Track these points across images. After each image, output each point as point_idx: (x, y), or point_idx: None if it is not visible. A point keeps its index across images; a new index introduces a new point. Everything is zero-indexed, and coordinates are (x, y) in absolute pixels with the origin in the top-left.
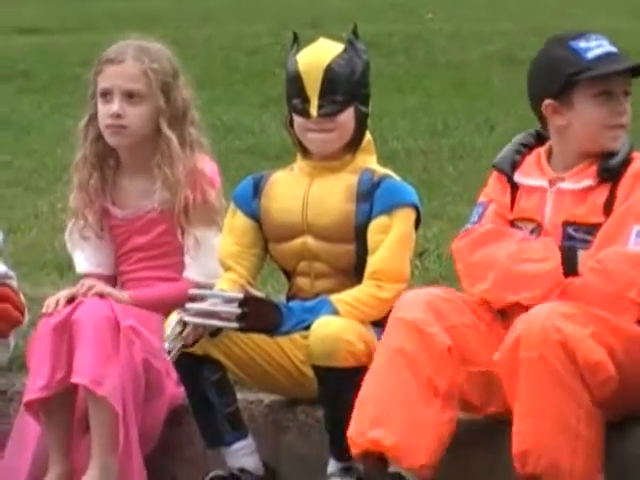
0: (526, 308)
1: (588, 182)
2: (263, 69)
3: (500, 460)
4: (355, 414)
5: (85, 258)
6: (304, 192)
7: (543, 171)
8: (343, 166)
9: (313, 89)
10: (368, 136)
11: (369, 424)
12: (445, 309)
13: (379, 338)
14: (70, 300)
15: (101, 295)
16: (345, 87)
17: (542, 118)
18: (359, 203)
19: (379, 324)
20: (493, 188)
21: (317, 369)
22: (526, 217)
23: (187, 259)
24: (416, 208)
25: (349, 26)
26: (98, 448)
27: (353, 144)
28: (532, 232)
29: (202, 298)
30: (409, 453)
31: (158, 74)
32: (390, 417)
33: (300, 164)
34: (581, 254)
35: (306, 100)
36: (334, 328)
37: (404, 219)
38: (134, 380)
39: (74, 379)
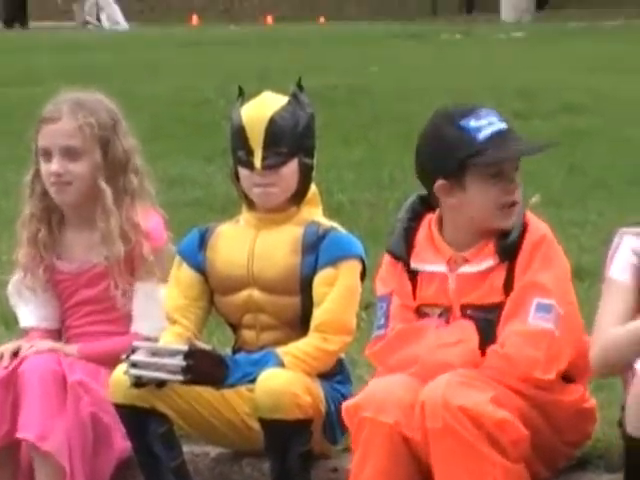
0: None
1: (489, 263)
2: (209, 122)
3: None
4: None
5: (30, 312)
6: (249, 245)
7: (439, 251)
8: (288, 218)
9: (257, 141)
10: (314, 188)
11: None
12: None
13: (325, 389)
14: (15, 353)
15: (50, 349)
16: (289, 139)
17: (433, 193)
18: (304, 255)
19: (325, 376)
20: (391, 275)
21: (263, 422)
22: (431, 303)
23: (134, 312)
24: (362, 260)
25: (295, 79)
26: None
27: (298, 196)
28: (440, 316)
29: (147, 350)
30: None
31: (94, 128)
32: None
33: (245, 216)
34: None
35: (250, 152)
36: (280, 381)
37: (350, 271)
38: (81, 435)
39: (19, 434)
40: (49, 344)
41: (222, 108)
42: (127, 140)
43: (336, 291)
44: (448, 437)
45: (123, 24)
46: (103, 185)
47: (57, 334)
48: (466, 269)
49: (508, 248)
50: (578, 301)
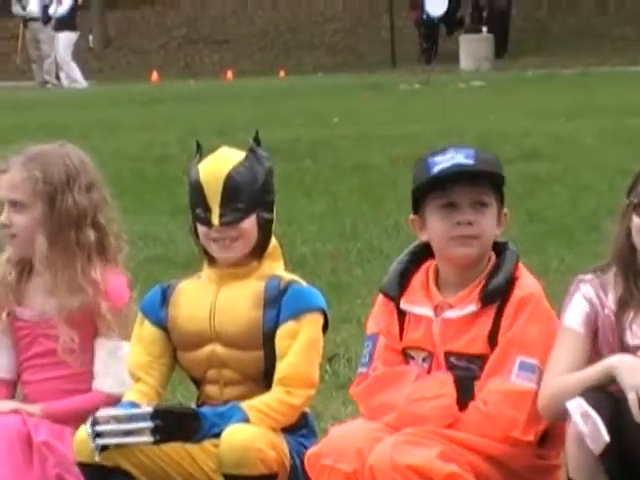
0: None
1: (472, 308)
2: (171, 177)
3: None
4: None
5: None
6: (211, 300)
7: (429, 295)
8: (250, 273)
9: (214, 198)
10: (274, 242)
11: None
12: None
13: (289, 444)
14: None
15: (13, 410)
16: (246, 195)
17: None
18: (266, 310)
19: (290, 430)
20: (382, 315)
21: (228, 477)
22: (416, 346)
23: (96, 369)
24: (323, 312)
25: (258, 132)
26: None
27: (258, 251)
28: (424, 360)
29: (110, 418)
30: None
31: (39, 182)
32: None
33: (207, 272)
34: (476, 384)
35: (207, 209)
36: (244, 436)
37: (312, 324)
38: None
39: None
40: (12, 404)
41: (184, 163)
42: (86, 195)
43: (298, 344)
44: None
45: (82, 82)
46: (39, 239)
47: (12, 386)
48: (449, 314)
49: (490, 293)
50: None
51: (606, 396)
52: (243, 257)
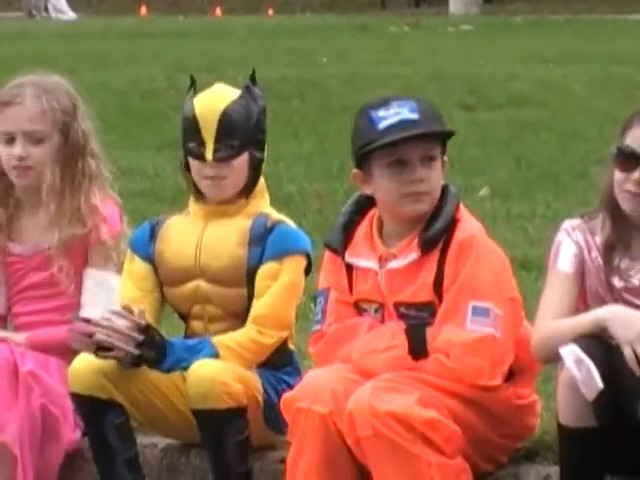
0: None
1: (412, 256)
2: (158, 112)
3: None
4: None
5: None
6: (198, 236)
7: (373, 247)
8: (237, 211)
9: (209, 133)
10: (261, 180)
11: None
12: (352, 391)
13: (265, 379)
14: None
15: (0, 339)
16: (241, 132)
17: None
18: (251, 247)
19: (273, 367)
20: (329, 270)
21: (196, 412)
22: (367, 298)
23: (84, 299)
24: (307, 255)
25: (244, 70)
26: None
27: (247, 189)
28: (376, 311)
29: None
30: None
31: (57, 112)
32: None
33: (194, 208)
34: (428, 332)
35: (202, 144)
36: (209, 370)
37: (294, 267)
38: (31, 426)
39: None
40: (1, 332)
41: (171, 98)
42: (86, 123)
43: (278, 286)
44: (380, 443)
45: (69, 13)
46: (51, 170)
47: (3, 320)
48: (393, 264)
49: (429, 240)
50: (525, 292)
51: (599, 342)
52: (232, 195)
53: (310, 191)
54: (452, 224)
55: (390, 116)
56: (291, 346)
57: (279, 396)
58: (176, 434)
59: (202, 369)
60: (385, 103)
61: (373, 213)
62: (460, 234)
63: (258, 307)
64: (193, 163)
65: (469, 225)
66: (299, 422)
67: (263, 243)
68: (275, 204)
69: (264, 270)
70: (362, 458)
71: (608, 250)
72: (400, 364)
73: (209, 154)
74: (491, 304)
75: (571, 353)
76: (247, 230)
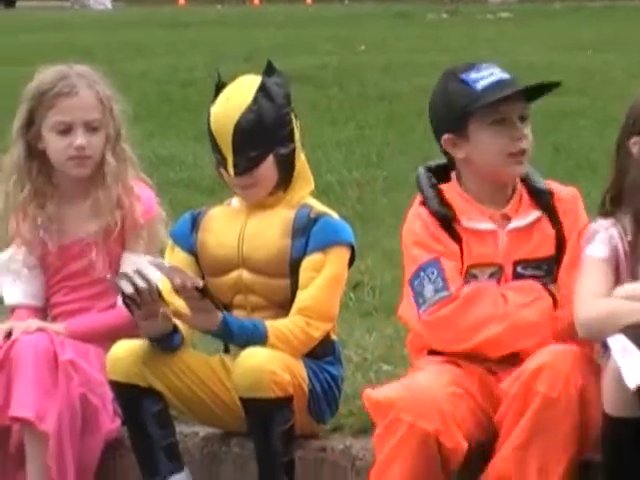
0: (520, 359)
1: (535, 214)
2: (197, 102)
3: None
4: None
5: (17, 289)
6: (241, 226)
7: (481, 210)
8: (278, 202)
9: (227, 148)
10: (303, 166)
11: None
12: (455, 406)
13: (309, 368)
14: (7, 335)
15: (39, 329)
16: (257, 141)
17: (447, 153)
18: (295, 238)
19: (316, 357)
20: (434, 238)
21: (243, 401)
22: (482, 263)
23: None
24: (351, 247)
25: (282, 59)
26: None
27: (282, 184)
28: (492, 275)
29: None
30: None
31: (109, 100)
32: None
33: (238, 199)
34: (553, 289)
35: (223, 158)
36: (258, 359)
37: (338, 258)
38: (71, 415)
39: (17, 413)
40: (38, 323)
41: (209, 88)
42: (118, 106)
43: (322, 277)
44: (556, 410)
45: (107, 4)
46: (109, 157)
47: (43, 312)
48: (515, 224)
49: (545, 197)
50: None
51: None
52: (268, 195)
53: (349, 179)
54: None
55: (485, 77)
56: (333, 336)
57: (322, 385)
58: (216, 422)
59: (251, 358)
60: (473, 66)
61: (447, 186)
62: (559, 189)
63: (303, 299)
64: (222, 172)
65: (564, 187)
66: (396, 432)
67: (307, 234)
68: (314, 193)
69: (308, 261)
70: (505, 412)
71: (635, 245)
72: (548, 314)
73: (230, 169)
74: None
75: (618, 342)
76: (290, 221)
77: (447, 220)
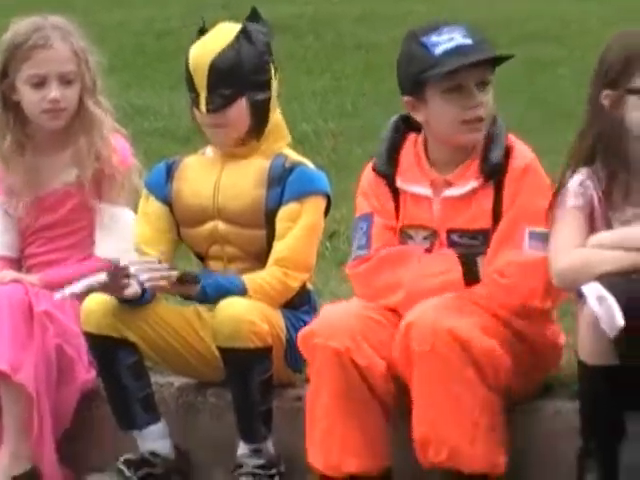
0: None
1: (473, 184)
2: (172, 52)
3: None
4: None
5: None
6: (216, 176)
7: (424, 172)
8: (252, 152)
9: (201, 85)
10: (278, 119)
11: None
12: (368, 328)
13: (287, 318)
14: None
15: (14, 279)
16: (232, 80)
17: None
18: (270, 188)
19: (292, 306)
20: (375, 194)
21: (222, 351)
22: (417, 224)
23: (97, 235)
24: (327, 197)
25: (260, 7)
26: (11, 434)
27: (254, 132)
28: (425, 239)
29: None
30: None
31: (84, 52)
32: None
33: (211, 148)
34: (479, 261)
35: (197, 95)
36: (237, 309)
37: (314, 208)
38: (47, 366)
39: None
40: (13, 274)
41: (185, 37)
42: (94, 58)
43: (299, 227)
44: (434, 360)
45: None
46: (91, 106)
47: (17, 264)
48: (450, 192)
49: (492, 168)
50: None
51: (623, 281)
52: (237, 139)
53: (325, 129)
54: (508, 151)
55: (444, 42)
56: (309, 285)
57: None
58: (191, 372)
59: (230, 308)
60: (436, 28)
61: (414, 137)
62: (516, 162)
63: (280, 249)
64: (195, 111)
65: (523, 153)
66: (316, 358)
67: (282, 184)
68: (290, 143)
69: (284, 211)
70: (405, 374)
71: (609, 184)
72: (454, 288)
73: (202, 106)
74: (547, 230)
75: (594, 290)
76: (265, 171)
77: (384, 177)
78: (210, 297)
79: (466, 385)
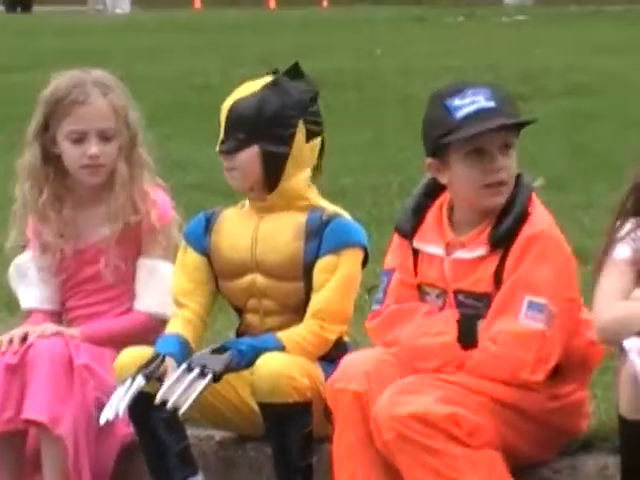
0: None
1: (481, 251)
2: (212, 106)
3: None
4: None
5: (32, 293)
6: (253, 229)
7: (442, 233)
8: (286, 205)
9: (222, 127)
10: (299, 183)
11: None
12: (386, 370)
13: (326, 372)
14: (23, 339)
15: (55, 333)
16: (249, 126)
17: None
18: (308, 241)
19: (329, 359)
20: (397, 251)
21: (262, 406)
22: (430, 283)
23: (137, 289)
24: (364, 248)
25: (302, 62)
26: None
27: (265, 183)
28: (438, 297)
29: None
30: None
31: (121, 109)
32: None
33: (249, 201)
34: (480, 324)
35: (219, 137)
36: (277, 364)
37: (351, 260)
38: (86, 420)
39: (31, 416)
40: (54, 327)
41: (224, 92)
42: (135, 112)
43: (336, 279)
44: (404, 444)
45: (125, 8)
46: (121, 165)
47: (58, 316)
48: (460, 255)
49: (500, 237)
50: (580, 284)
51: None
52: (250, 189)
53: (365, 184)
54: (523, 217)
55: (466, 105)
56: (345, 338)
57: None
58: (229, 426)
59: (269, 363)
60: (460, 91)
61: (444, 198)
62: (528, 229)
63: (317, 301)
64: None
65: (540, 220)
66: (338, 403)
67: (320, 237)
68: (330, 196)
69: (322, 263)
70: (393, 461)
71: None
72: (448, 350)
73: (217, 146)
74: (547, 301)
75: (635, 345)
76: (303, 224)
77: (403, 237)
78: (250, 360)
79: (442, 454)
